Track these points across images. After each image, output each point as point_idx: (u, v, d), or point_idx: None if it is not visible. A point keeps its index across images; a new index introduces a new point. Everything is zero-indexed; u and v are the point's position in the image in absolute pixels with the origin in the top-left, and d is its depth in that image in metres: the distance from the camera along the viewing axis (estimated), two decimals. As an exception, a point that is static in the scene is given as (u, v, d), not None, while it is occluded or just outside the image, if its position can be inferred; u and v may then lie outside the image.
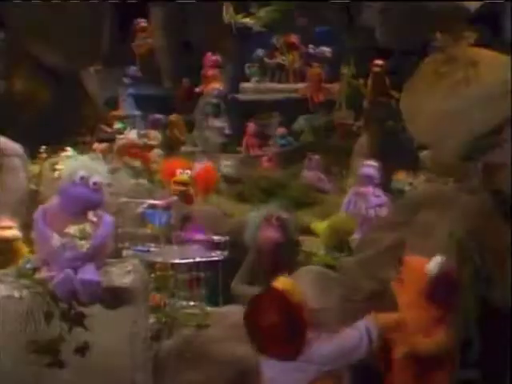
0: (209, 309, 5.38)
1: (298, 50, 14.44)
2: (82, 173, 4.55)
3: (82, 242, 4.44)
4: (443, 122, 5.79)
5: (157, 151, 10.83)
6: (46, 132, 9.13)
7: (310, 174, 11.24)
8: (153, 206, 5.81)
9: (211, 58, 13.76)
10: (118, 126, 11.67)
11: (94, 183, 4.55)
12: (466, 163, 5.91)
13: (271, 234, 6.45)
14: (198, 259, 5.61)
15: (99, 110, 11.39)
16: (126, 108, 13.85)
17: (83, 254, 4.45)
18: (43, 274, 4.41)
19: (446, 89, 5.85)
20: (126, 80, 14.51)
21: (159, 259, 5.58)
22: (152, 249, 5.71)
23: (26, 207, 6.55)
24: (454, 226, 4.98)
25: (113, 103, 13.41)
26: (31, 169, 7.27)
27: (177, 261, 5.55)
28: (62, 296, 4.34)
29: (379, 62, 11.59)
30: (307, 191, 10.53)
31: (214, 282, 5.72)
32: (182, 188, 6.93)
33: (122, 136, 10.84)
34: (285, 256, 6.37)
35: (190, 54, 14.55)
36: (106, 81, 12.77)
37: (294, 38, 14.20)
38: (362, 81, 12.91)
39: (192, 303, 5.64)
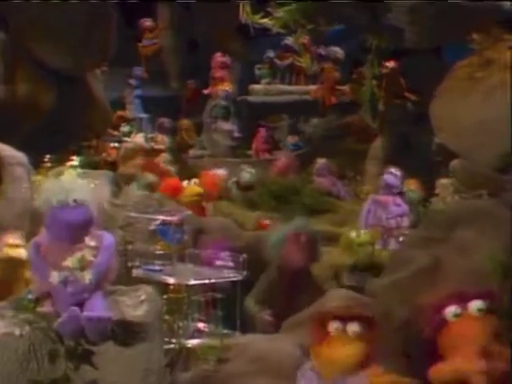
0: (228, 340, 4.92)
1: (309, 50, 14.26)
2: (57, 197, 4.12)
3: (84, 273, 3.99)
4: (478, 131, 5.36)
5: (165, 155, 10.77)
6: (51, 137, 8.98)
7: (321, 179, 10.81)
8: (165, 222, 5.36)
9: (220, 58, 13.56)
10: (124, 129, 11.41)
11: (74, 201, 4.12)
12: (501, 175, 5.49)
13: (298, 254, 5.94)
14: (214, 280, 5.18)
15: (107, 112, 11.15)
16: (133, 110, 13.70)
17: (87, 286, 4.00)
18: (46, 307, 3.96)
19: (481, 94, 5.42)
20: (132, 81, 14.25)
21: (172, 280, 5.15)
22: (164, 268, 5.29)
23: (30, 220, 6.13)
24: (495, 244, 4.56)
25: (119, 105, 13.24)
26: (35, 179, 6.86)
27: (192, 282, 5.11)
28: (67, 336, 3.90)
29: (389, 63, 11.22)
30: (321, 197, 10.17)
31: (231, 304, 5.29)
32: (195, 199, 6.54)
33: (128, 140, 10.95)
34: (307, 278, 5.90)
35: (198, 54, 14.43)
36: (112, 82, 12.60)
37: (304, 39, 13.92)
38: (375, 82, 12.48)
39: (206, 325, 5.25)
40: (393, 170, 8.64)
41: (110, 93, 12.14)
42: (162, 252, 5.36)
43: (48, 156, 7.69)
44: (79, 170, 6.37)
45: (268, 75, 14.29)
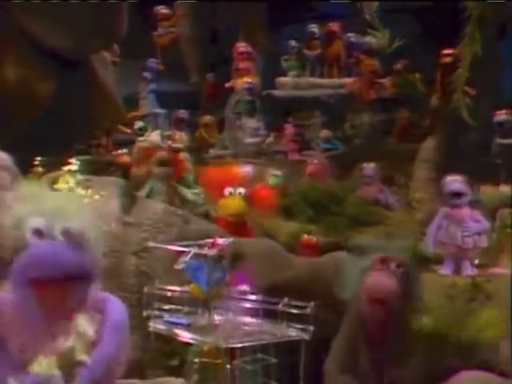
0: None
1: (341, 39, 13.41)
2: (35, 222, 2.55)
3: None
4: None
5: (183, 155, 9.95)
6: (50, 134, 8.17)
7: (370, 187, 9.65)
8: (198, 255, 3.78)
9: (242, 48, 12.71)
10: (138, 125, 10.75)
11: (66, 232, 2.54)
12: None
13: (386, 281, 4.34)
14: (266, 341, 3.60)
15: (117, 106, 10.43)
16: (147, 106, 13.05)
17: None
18: None
19: None
20: (146, 74, 13.47)
21: (207, 340, 3.60)
22: (195, 320, 3.73)
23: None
24: None
25: (132, 102, 12.58)
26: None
27: (235, 345, 3.55)
28: None
29: (449, 51, 9.99)
30: (367, 207, 8.98)
31: (293, 372, 3.79)
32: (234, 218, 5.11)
33: (142, 138, 10.26)
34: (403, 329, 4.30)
35: (220, 44, 14.10)
36: (125, 75, 11.97)
37: (334, 26, 13.28)
38: (418, 75, 12.09)
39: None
40: (453, 176, 7.50)
41: (122, 88, 11.55)
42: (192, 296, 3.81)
43: (39, 158, 6.30)
44: (79, 177, 4.91)
45: (296, 67, 13.52)
